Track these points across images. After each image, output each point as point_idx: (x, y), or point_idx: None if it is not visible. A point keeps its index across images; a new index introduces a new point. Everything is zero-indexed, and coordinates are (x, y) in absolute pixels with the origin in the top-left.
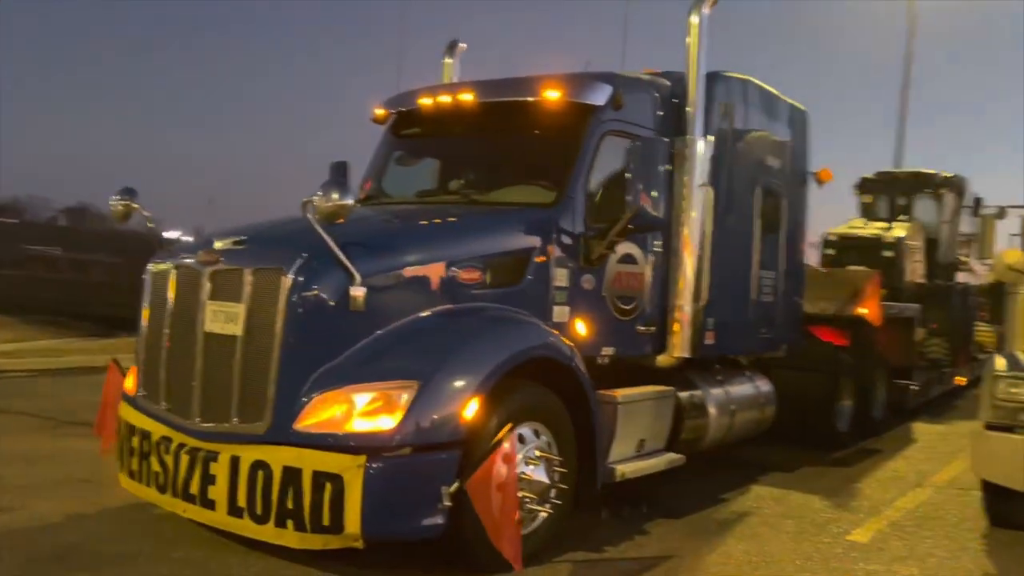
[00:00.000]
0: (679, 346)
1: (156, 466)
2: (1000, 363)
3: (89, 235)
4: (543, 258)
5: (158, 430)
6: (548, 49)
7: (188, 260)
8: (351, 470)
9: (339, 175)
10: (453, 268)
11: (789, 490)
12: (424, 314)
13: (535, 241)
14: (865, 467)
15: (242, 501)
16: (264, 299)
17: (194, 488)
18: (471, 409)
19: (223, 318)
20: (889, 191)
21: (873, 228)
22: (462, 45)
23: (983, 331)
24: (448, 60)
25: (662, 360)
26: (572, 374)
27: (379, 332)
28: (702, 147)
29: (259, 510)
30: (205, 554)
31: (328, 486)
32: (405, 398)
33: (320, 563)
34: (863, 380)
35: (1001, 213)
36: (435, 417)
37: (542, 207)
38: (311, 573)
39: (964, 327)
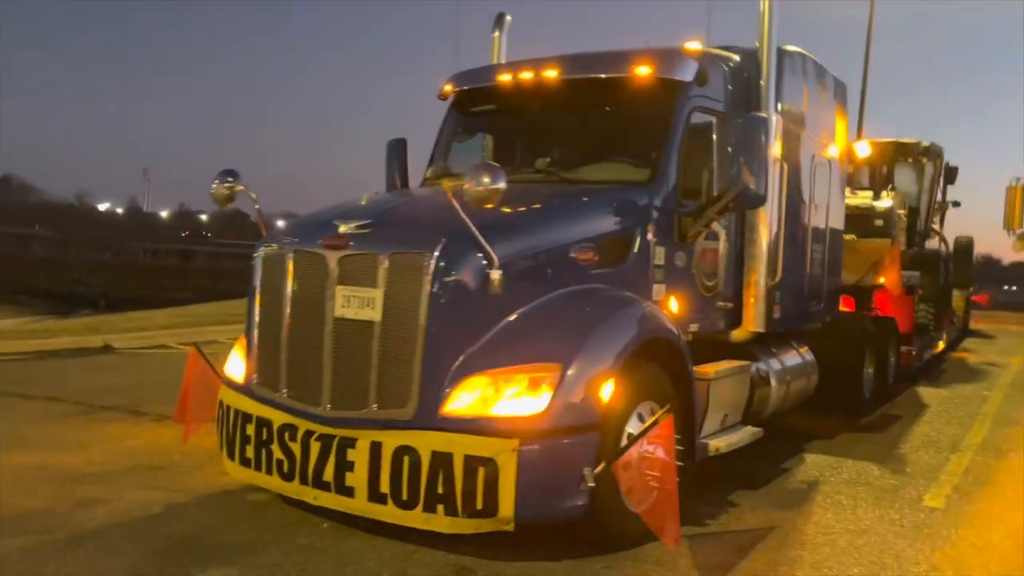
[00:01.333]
0: (754, 321)
1: (279, 454)
2: None
3: (18, 208)
4: (644, 236)
5: (279, 418)
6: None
7: (308, 245)
8: (505, 453)
9: (398, 153)
10: (573, 249)
11: (840, 457)
12: (551, 296)
13: (638, 220)
14: (896, 433)
15: (385, 487)
16: (405, 283)
17: (328, 475)
18: (607, 391)
19: (357, 303)
20: (870, 160)
21: (861, 198)
22: (509, 18)
23: (956, 297)
24: (496, 34)
25: (737, 335)
26: (679, 353)
27: (513, 315)
28: (775, 123)
29: (405, 496)
30: (330, 540)
31: (481, 470)
32: (549, 381)
33: (449, 545)
34: (882, 347)
35: None
36: (577, 399)
37: (639, 185)
38: (441, 556)
39: (945, 294)
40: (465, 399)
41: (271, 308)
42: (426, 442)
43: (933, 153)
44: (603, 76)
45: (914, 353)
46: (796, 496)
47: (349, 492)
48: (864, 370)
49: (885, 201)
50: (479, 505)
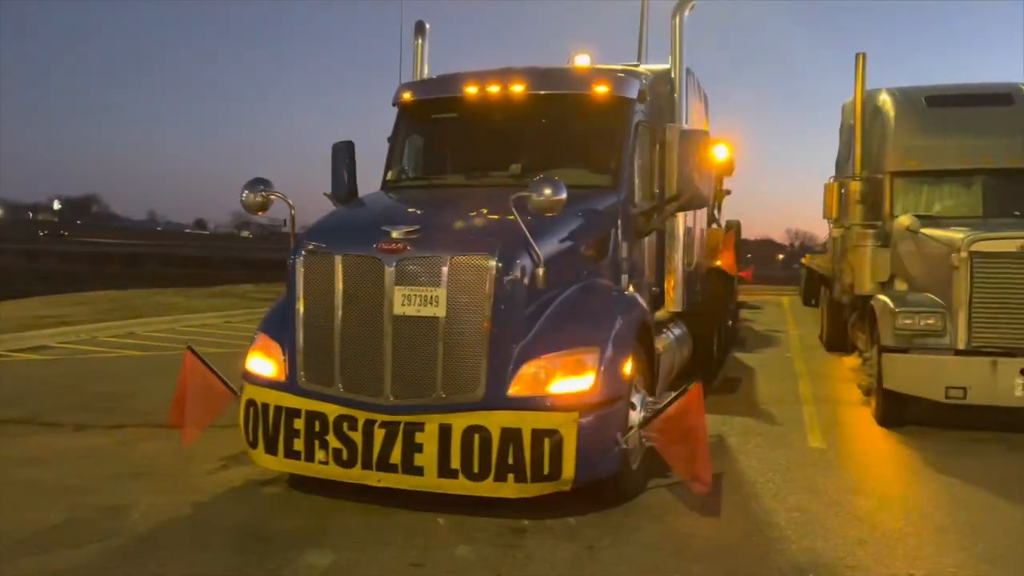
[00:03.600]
0: (675, 302)
1: (336, 443)
2: (886, 300)
3: None
4: (616, 234)
5: (334, 410)
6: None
7: (360, 250)
8: (567, 425)
9: (346, 156)
10: (582, 247)
11: (722, 415)
12: (573, 290)
13: (613, 219)
14: (747, 392)
15: (456, 463)
16: (468, 282)
17: (395, 458)
18: (628, 367)
19: (418, 301)
20: None
21: None
22: (428, 26)
23: None
24: (419, 41)
25: (660, 315)
26: (650, 333)
27: (552, 306)
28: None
29: (476, 469)
30: (380, 518)
31: (547, 440)
32: (592, 362)
33: (489, 511)
34: (722, 321)
35: None
36: (612, 376)
37: (606, 189)
38: (493, 521)
39: None
40: (526, 381)
41: (319, 310)
42: (496, 420)
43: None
44: (565, 92)
45: (731, 324)
46: (715, 449)
47: (418, 471)
48: (714, 340)
49: None
50: (546, 471)
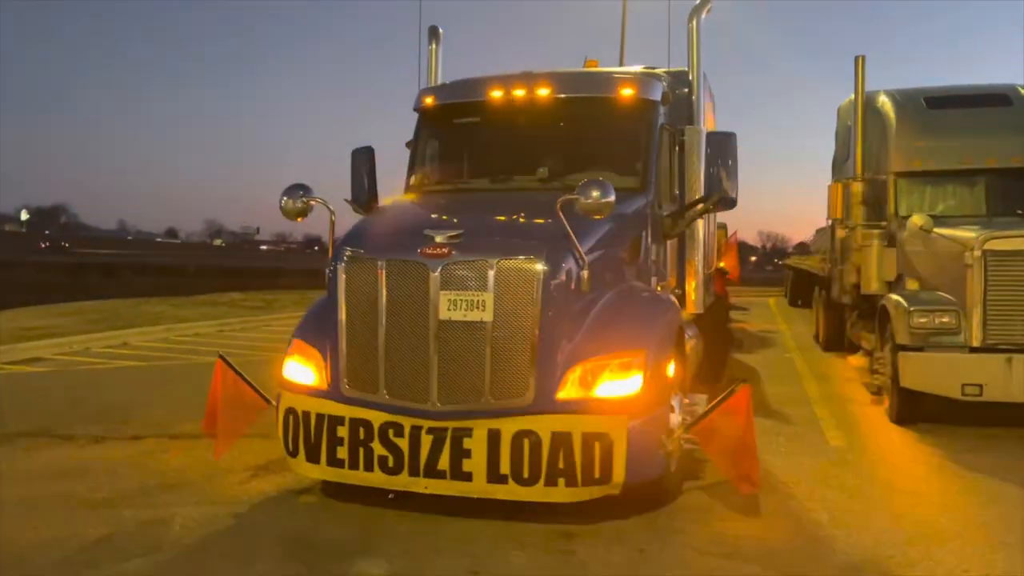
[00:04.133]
0: (695, 304)
1: (382, 450)
2: (900, 299)
3: None
4: (646, 236)
5: (379, 417)
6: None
7: (404, 255)
8: (617, 428)
9: (366, 162)
10: (619, 250)
11: None
12: (614, 293)
13: (643, 222)
14: (756, 393)
15: (505, 468)
16: (516, 285)
17: (443, 464)
18: (672, 369)
19: (464, 306)
20: None
21: None
22: (442, 31)
23: None
24: (432, 47)
25: (684, 316)
26: (683, 334)
27: (595, 308)
28: (704, 135)
29: (526, 474)
30: (430, 525)
31: (597, 444)
32: (638, 365)
33: (534, 517)
34: (725, 320)
35: None
36: (657, 379)
37: (635, 192)
38: (541, 526)
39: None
40: (574, 384)
41: (362, 316)
42: (546, 424)
43: None
44: (592, 95)
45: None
46: None
47: (467, 477)
48: (717, 340)
49: None
50: (596, 474)
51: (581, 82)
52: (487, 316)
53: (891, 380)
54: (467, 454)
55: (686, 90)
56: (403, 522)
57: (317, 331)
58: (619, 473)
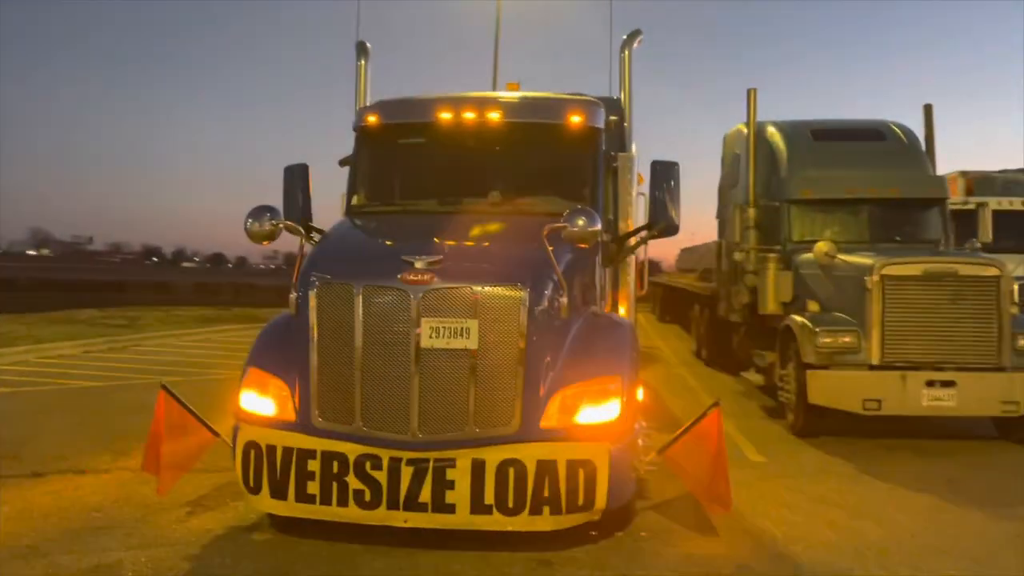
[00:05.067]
0: None
1: (358, 484)
2: (804, 321)
3: None
4: (597, 262)
5: (353, 450)
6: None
7: (383, 281)
8: (600, 454)
9: (301, 180)
10: (583, 275)
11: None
12: (582, 319)
13: (596, 248)
14: (663, 408)
15: (490, 498)
16: (501, 312)
17: (424, 496)
18: (640, 393)
19: (447, 333)
20: None
21: None
22: (370, 46)
23: None
24: (361, 62)
25: None
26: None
27: (570, 335)
28: (635, 161)
29: (511, 503)
30: (438, 557)
31: (581, 471)
32: (615, 391)
33: (508, 546)
34: None
35: None
36: (631, 404)
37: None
38: (518, 555)
39: None
40: (557, 411)
41: (336, 344)
42: (531, 453)
43: None
44: (540, 121)
45: None
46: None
47: (450, 509)
48: None
49: None
50: (580, 501)
51: (530, 107)
52: (472, 344)
53: (796, 396)
54: (450, 485)
55: (615, 117)
56: (376, 558)
57: (278, 359)
58: (601, 499)
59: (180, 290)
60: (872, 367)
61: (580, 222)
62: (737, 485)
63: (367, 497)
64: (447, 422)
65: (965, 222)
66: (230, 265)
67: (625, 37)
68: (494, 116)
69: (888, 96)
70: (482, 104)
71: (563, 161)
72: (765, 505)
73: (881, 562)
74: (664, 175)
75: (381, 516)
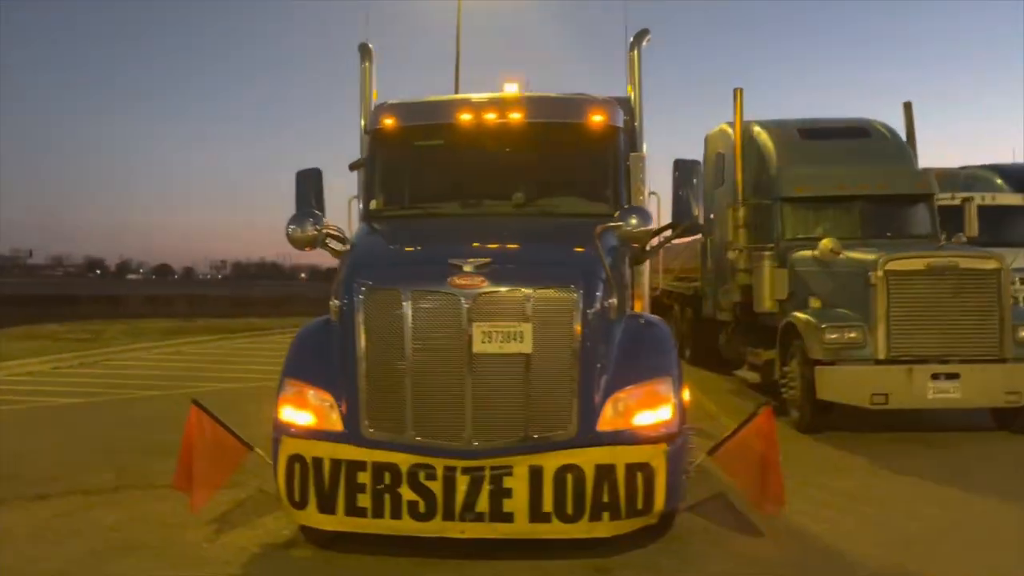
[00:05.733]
0: None
1: (412, 495)
2: (809, 318)
3: None
4: (627, 262)
5: (406, 460)
6: None
7: (433, 285)
8: (657, 456)
9: (314, 184)
10: (623, 276)
11: None
12: (626, 320)
13: (627, 247)
14: None
15: (548, 506)
16: (554, 315)
17: (482, 506)
18: (687, 393)
19: (500, 338)
20: None
21: None
22: (373, 47)
23: None
24: (366, 64)
25: None
26: None
27: (618, 336)
28: (645, 161)
29: (570, 510)
30: (491, 568)
31: (640, 475)
32: (668, 392)
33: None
34: None
35: None
36: (681, 403)
37: (609, 218)
38: (576, 562)
39: None
40: (613, 414)
41: (385, 352)
42: (589, 458)
43: None
44: (561, 121)
45: None
46: None
47: (508, 518)
48: None
49: None
50: (640, 505)
51: (551, 107)
52: (526, 348)
53: (802, 393)
54: (507, 493)
55: (626, 117)
56: (426, 571)
57: (318, 369)
58: (660, 502)
59: (132, 302)
60: (878, 362)
61: (633, 220)
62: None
63: (422, 508)
64: (502, 428)
65: (948, 217)
66: (175, 276)
67: (633, 37)
68: (515, 116)
69: (854, 97)
70: (502, 104)
71: (584, 161)
72: (798, 502)
73: (932, 555)
74: (687, 173)
75: (437, 528)
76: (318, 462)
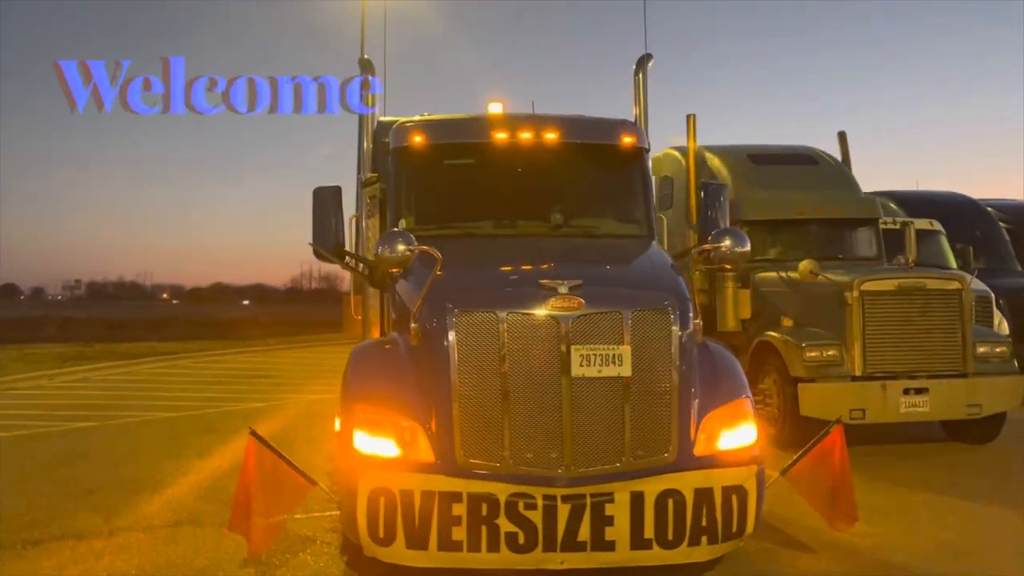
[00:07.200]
0: None
1: (510, 526)
2: (787, 337)
3: None
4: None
5: (504, 490)
6: None
7: (529, 308)
8: (750, 479)
9: (333, 203)
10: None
11: None
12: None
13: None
14: None
15: (649, 532)
16: (651, 337)
17: (583, 535)
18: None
19: (599, 361)
20: None
21: None
22: (370, 58)
23: None
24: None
25: None
26: None
27: (698, 357)
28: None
29: (670, 536)
30: None
31: (734, 497)
32: (748, 412)
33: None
34: None
35: None
36: (757, 422)
37: (645, 238)
38: None
39: None
40: (706, 437)
41: (478, 375)
42: (688, 482)
43: None
44: (595, 142)
45: None
46: None
47: (610, 546)
48: None
49: None
50: (734, 528)
51: (581, 127)
52: (625, 371)
53: (782, 410)
54: (609, 521)
55: None
56: None
57: (395, 395)
58: (751, 524)
59: None
60: (854, 378)
61: (728, 242)
62: (775, 499)
63: (521, 540)
64: (602, 454)
65: (887, 240)
66: (23, 297)
67: (639, 59)
68: (549, 136)
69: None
70: (533, 123)
71: (616, 182)
72: (816, 516)
73: (984, 563)
74: (714, 196)
75: (536, 559)
76: (407, 495)
